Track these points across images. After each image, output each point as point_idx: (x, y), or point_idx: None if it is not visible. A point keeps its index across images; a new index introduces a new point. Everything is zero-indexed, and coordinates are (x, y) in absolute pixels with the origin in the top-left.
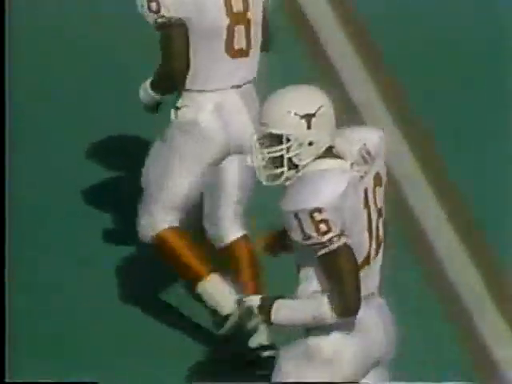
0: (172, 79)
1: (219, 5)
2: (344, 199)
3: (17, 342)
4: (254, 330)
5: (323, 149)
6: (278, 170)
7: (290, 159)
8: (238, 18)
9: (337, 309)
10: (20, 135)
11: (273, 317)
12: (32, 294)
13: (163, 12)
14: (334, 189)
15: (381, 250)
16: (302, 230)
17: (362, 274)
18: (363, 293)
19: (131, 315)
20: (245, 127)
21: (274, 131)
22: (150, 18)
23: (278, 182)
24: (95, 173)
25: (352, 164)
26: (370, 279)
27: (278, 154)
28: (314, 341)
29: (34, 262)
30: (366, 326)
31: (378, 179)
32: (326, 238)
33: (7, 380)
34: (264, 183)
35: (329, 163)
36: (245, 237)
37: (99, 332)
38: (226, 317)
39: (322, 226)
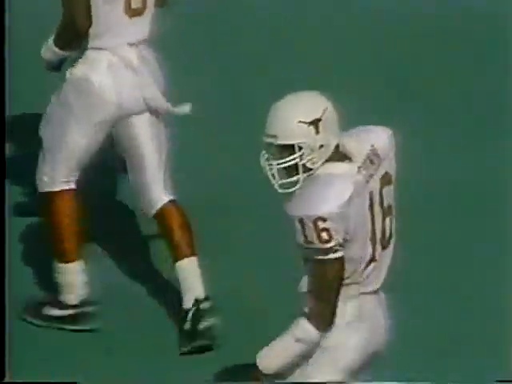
0: (74, 33)
1: None
2: (348, 206)
3: (17, 342)
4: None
5: (332, 150)
6: (294, 178)
7: (303, 165)
8: None
9: (318, 323)
10: (20, 135)
11: (263, 370)
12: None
13: None
14: (339, 197)
15: (390, 246)
16: (305, 235)
17: (367, 269)
18: (369, 288)
19: (131, 315)
20: (139, 88)
21: (286, 142)
22: None
23: (294, 189)
24: (95, 173)
25: (359, 167)
26: (377, 275)
27: (293, 162)
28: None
29: (34, 261)
30: (370, 318)
31: (386, 179)
32: (325, 246)
33: (7, 380)
34: (279, 191)
35: (337, 167)
36: (173, 201)
37: (99, 332)
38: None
39: (324, 235)
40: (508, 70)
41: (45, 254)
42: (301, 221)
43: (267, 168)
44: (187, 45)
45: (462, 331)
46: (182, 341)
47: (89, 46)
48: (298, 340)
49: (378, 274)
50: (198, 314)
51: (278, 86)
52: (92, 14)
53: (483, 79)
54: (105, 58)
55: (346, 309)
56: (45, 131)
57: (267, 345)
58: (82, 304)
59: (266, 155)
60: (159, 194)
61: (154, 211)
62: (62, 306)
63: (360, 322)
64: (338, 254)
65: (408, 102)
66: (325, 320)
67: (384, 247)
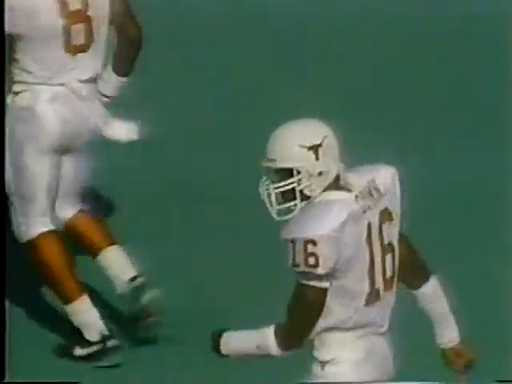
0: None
1: (52, 7)
2: (342, 231)
3: (17, 342)
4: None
5: (332, 179)
6: (291, 203)
7: (301, 191)
8: (76, 17)
9: (281, 342)
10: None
11: (222, 349)
12: (32, 295)
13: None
14: (333, 220)
15: (393, 286)
16: (293, 257)
17: (371, 309)
18: (375, 329)
19: (130, 315)
20: (82, 124)
21: (284, 165)
22: None
23: (291, 216)
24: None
25: (356, 196)
26: (382, 315)
27: (290, 187)
28: (330, 368)
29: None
30: (377, 358)
31: (385, 215)
32: (311, 271)
33: (7, 380)
34: (276, 218)
35: (334, 195)
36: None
37: (123, 366)
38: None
39: (311, 260)
40: (508, 69)
41: None
42: (292, 242)
43: (265, 194)
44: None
45: (461, 331)
46: (132, 324)
47: (31, 80)
48: (257, 346)
49: (383, 314)
50: (135, 293)
51: (277, 113)
52: (32, 54)
53: (483, 79)
54: (49, 90)
55: (356, 348)
56: (8, 180)
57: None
58: (105, 338)
59: (265, 181)
60: (64, 209)
61: (62, 227)
62: (86, 344)
63: (368, 363)
64: (322, 284)
65: (408, 102)
66: (289, 341)
67: (387, 288)
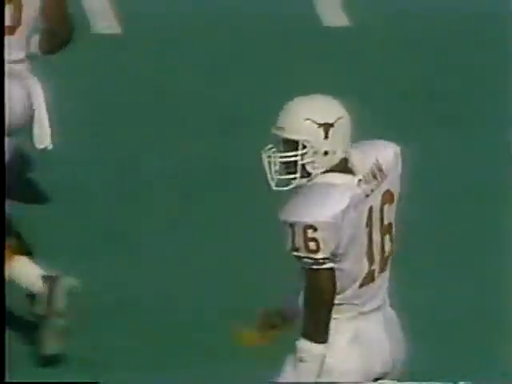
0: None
1: None
2: (342, 218)
3: (17, 342)
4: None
5: (337, 161)
6: (291, 176)
7: (303, 166)
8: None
9: (313, 335)
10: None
11: None
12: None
13: None
14: (334, 207)
15: (388, 266)
16: (293, 241)
17: (364, 290)
18: (367, 308)
19: (131, 314)
20: (15, 106)
21: (291, 137)
22: None
23: (287, 188)
24: (95, 170)
25: (360, 180)
26: (375, 295)
27: (293, 159)
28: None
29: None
30: (368, 341)
31: (387, 196)
32: (311, 256)
33: (7, 380)
34: (273, 187)
35: (336, 178)
36: None
37: (99, 332)
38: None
39: (312, 244)
40: (508, 69)
41: (48, 256)
42: (291, 226)
43: (266, 162)
44: None
45: (462, 331)
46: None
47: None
48: (301, 359)
49: (375, 294)
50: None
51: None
52: None
53: (483, 79)
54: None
55: (346, 329)
56: None
57: None
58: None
59: (270, 149)
60: None
61: None
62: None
63: (360, 344)
64: (327, 265)
65: (408, 102)
66: (318, 329)
67: (382, 269)
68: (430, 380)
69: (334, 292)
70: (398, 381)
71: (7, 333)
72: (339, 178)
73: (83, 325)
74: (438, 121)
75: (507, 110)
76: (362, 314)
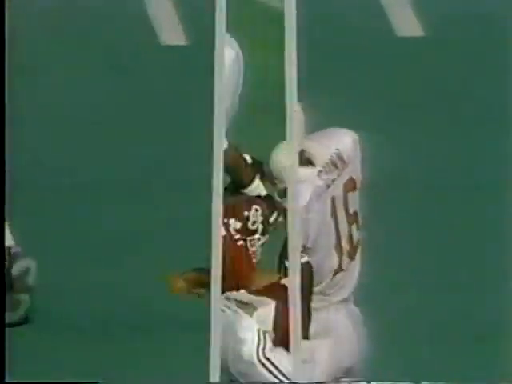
0: None
1: None
2: (306, 213)
3: (16, 342)
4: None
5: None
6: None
7: None
8: None
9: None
10: (19, 135)
11: None
12: (32, 295)
13: None
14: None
15: (357, 255)
16: None
17: (335, 280)
18: (336, 298)
19: (131, 315)
20: None
21: None
22: None
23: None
24: (94, 170)
25: (320, 172)
26: (344, 285)
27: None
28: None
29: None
30: (337, 333)
31: (350, 184)
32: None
33: (7, 380)
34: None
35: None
36: None
37: (99, 332)
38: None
39: None
40: (508, 69)
41: (48, 256)
42: None
43: None
44: None
45: (461, 331)
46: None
47: None
48: (304, 361)
49: (344, 284)
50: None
51: None
52: None
53: (483, 79)
54: None
55: (315, 320)
56: None
57: None
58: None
59: None
60: None
61: None
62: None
63: (328, 334)
64: (302, 260)
65: (407, 102)
66: (306, 327)
67: (351, 257)
68: (429, 380)
69: (312, 285)
70: (395, 380)
71: (7, 332)
72: (299, 172)
73: (83, 326)
74: (449, 121)
75: (507, 110)
76: (332, 304)
